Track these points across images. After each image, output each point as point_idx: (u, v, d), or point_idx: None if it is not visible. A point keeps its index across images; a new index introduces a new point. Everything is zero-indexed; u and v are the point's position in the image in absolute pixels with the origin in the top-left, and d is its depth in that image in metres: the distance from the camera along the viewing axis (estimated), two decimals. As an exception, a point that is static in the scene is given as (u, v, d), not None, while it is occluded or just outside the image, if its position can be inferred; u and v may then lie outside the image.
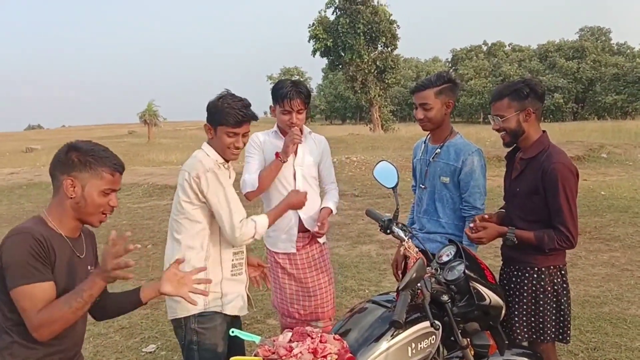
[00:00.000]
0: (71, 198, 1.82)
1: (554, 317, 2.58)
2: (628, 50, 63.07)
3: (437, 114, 2.78)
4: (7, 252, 1.71)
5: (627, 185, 10.50)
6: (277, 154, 2.90)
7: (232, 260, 2.42)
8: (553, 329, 2.58)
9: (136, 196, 12.05)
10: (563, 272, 2.60)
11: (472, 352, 2.23)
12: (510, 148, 2.72)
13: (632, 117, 39.63)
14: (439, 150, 2.86)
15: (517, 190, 2.59)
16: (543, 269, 2.55)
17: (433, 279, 2.14)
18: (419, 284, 1.98)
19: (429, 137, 3.00)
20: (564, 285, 2.60)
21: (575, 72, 55.20)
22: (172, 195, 10.65)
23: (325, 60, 38.69)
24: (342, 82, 54.26)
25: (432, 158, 2.88)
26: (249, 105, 2.38)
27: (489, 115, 2.65)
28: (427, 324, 1.99)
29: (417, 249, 2.27)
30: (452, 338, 2.18)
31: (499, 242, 2.67)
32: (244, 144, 2.43)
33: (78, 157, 1.82)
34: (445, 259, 2.23)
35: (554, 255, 2.57)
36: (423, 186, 2.93)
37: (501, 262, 2.78)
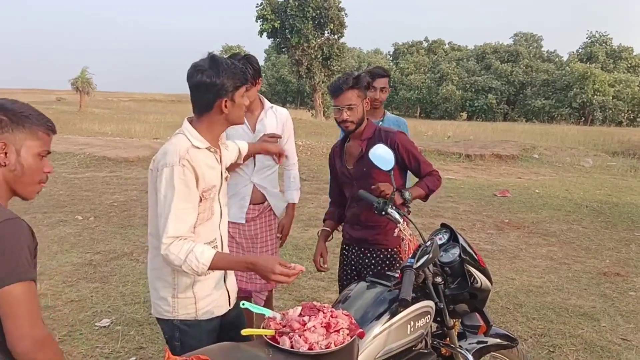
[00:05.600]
0: (4, 166, 1.49)
1: None
2: (557, 59, 66.55)
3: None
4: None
5: (558, 185, 11.16)
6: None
7: None
8: None
9: (72, 166, 11.46)
10: None
11: (457, 332, 2.32)
12: (345, 139, 2.92)
13: (558, 121, 42.00)
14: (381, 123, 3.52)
15: (364, 170, 2.73)
16: (395, 249, 2.76)
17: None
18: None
19: None
20: None
21: (509, 75, 57.56)
22: (111, 167, 10.27)
23: (268, 42, 38.22)
24: (285, 65, 53.88)
25: None
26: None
27: (334, 107, 2.72)
28: (425, 303, 2.04)
29: (410, 232, 2.31)
30: (438, 318, 2.26)
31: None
32: None
33: (7, 114, 1.49)
34: (439, 242, 2.29)
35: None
36: None
37: (344, 245, 2.97)
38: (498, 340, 2.54)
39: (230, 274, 2.23)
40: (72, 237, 6.16)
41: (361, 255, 2.82)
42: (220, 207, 2.12)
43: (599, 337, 4.00)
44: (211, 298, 2.09)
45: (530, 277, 5.35)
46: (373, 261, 2.76)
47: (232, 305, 2.22)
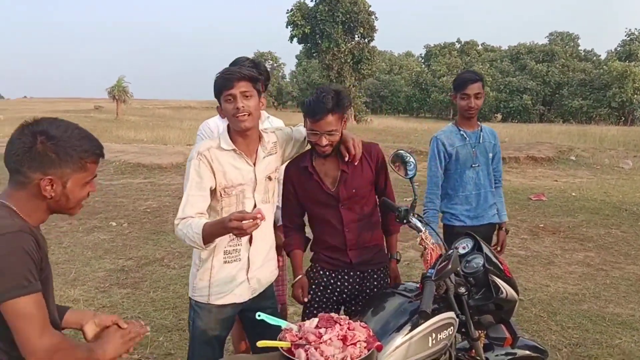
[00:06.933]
0: (50, 198, 1.51)
1: None
2: (594, 57, 64.80)
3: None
4: None
5: (596, 187, 10.82)
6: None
7: (225, 247, 2.24)
8: None
9: (107, 173, 11.73)
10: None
11: (482, 344, 2.25)
12: (311, 157, 2.52)
13: (596, 122, 40.78)
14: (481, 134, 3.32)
15: (354, 191, 2.49)
16: (387, 264, 2.65)
17: (451, 271, 2.14)
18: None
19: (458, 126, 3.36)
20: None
21: (545, 75, 56.33)
22: (145, 174, 10.40)
23: (299, 47, 38.49)
24: (316, 70, 54.05)
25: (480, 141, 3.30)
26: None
27: (309, 131, 2.35)
28: (447, 315, 1.98)
29: (433, 240, 2.26)
30: (463, 330, 2.20)
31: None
32: (249, 104, 2.10)
33: (54, 149, 1.46)
34: (462, 251, 2.23)
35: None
36: (476, 165, 3.27)
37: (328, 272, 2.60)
38: (527, 352, 2.46)
39: (254, 266, 2.30)
40: (106, 244, 6.30)
41: (361, 276, 2.56)
42: (255, 204, 2.26)
43: (638, 347, 3.83)
44: (227, 286, 2.25)
45: (565, 283, 5.19)
46: (375, 282, 2.57)
47: (253, 295, 2.33)
